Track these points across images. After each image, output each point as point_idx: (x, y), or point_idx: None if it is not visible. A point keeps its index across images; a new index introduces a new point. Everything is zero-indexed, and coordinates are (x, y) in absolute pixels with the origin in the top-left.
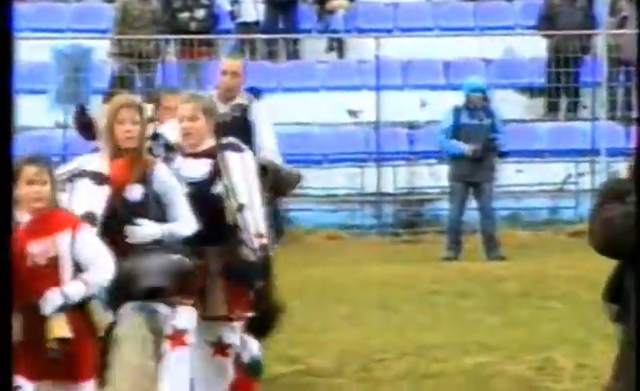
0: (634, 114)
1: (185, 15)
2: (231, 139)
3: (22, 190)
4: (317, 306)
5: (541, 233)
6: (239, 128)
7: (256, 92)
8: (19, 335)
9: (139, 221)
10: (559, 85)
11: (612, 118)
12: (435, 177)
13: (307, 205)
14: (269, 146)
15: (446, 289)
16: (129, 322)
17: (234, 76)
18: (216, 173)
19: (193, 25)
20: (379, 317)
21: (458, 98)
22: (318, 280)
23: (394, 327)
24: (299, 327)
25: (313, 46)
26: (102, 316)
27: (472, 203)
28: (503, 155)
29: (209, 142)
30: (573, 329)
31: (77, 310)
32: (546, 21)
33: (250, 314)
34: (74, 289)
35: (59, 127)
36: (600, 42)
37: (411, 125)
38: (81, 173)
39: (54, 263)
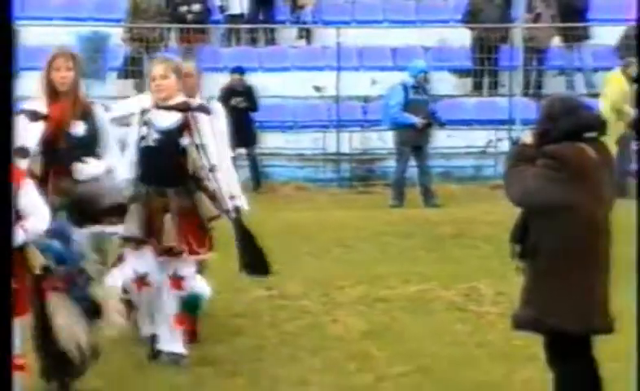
0: (544, 92)
1: (184, 8)
2: (201, 101)
3: None
4: (288, 243)
5: (468, 186)
6: None
7: (240, 71)
8: None
9: (85, 159)
10: (483, 68)
11: (526, 95)
12: (383, 140)
13: (280, 162)
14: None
15: (392, 231)
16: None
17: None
18: (184, 126)
19: (190, 16)
20: (338, 252)
21: (401, 78)
22: (289, 222)
23: (350, 261)
24: (272, 260)
25: (287, 35)
26: (37, 259)
27: (412, 162)
28: (442, 124)
29: (179, 99)
30: (494, 264)
31: (16, 253)
32: (470, 16)
33: (207, 255)
34: (18, 235)
35: None
36: (517, 34)
37: (365, 99)
38: (19, 111)
39: None
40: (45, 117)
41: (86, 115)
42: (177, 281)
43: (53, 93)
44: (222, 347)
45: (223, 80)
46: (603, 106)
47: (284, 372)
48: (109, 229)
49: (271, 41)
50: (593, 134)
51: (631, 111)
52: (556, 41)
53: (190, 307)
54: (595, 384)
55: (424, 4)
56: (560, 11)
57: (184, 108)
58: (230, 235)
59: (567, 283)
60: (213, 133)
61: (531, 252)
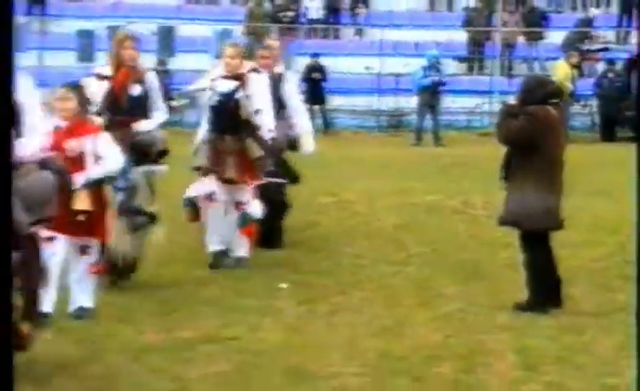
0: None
1: (282, 13)
2: (254, 65)
3: (53, 103)
4: (346, 168)
5: (462, 133)
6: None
7: (316, 56)
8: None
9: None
10: (474, 57)
11: (501, 75)
12: (408, 102)
13: (341, 115)
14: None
15: (414, 161)
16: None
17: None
18: (239, 87)
19: (285, 19)
20: (378, 174)
21: (421, 62)
22: (346, 155)
23: (387, 179)
24: (336, 178)
25: (347, 33)
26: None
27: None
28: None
29: (240, 70)
30: (481, 183)
31: (95, 188)
32: (467, 23)
33: (259, 182)
34: (93, 173)
35: None
36: (496, 35)
37: (397, 75)
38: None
39: (81, 156)
40: (109, 78)
41: (141, 80)
42: (237, 205)
43: (120, 64)
44: (307, 234)
45: (306, 61)
46: None
47: (347, 249)
48: (157, 168)
49: (337, 36)
50: (555, 101)
51: (570, 86)
52: (521, 39)
53: (245, 222)
54: (552, 264)
55: (437, 14)
56: (524, 20)
57: (240, 76)
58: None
59: (536, 197)
60: (259, 86)
61: (512, 176)
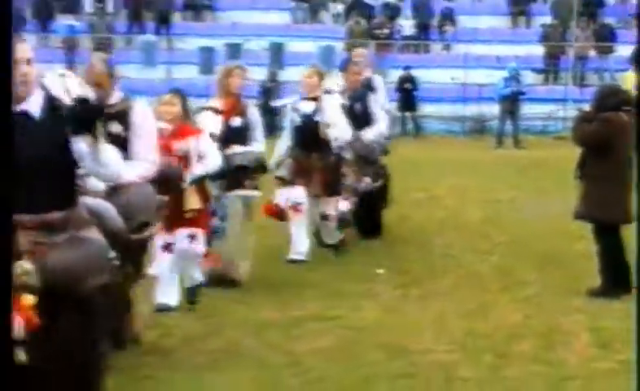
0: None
1: (378, 31)
2: (328, 87)
3: (159, 108)
4: (434, 168)
5: (539, 137)
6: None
7: (408, 68)
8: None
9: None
10: (549, 69)
11: (574, 84)
12: (490, 110)
13: (430, 121)
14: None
15: (495, 162)
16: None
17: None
18: (317, 109)
19: (382, 36)
20: (465, 173)
21: (503, 74)
22: (435, 156)
23: (472, 177)
24: (426, 177)
25: (436, 48)
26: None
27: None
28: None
29: (317, 93)
30: (555, 182)
31: (200, 185)
32: (544, 38)
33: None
34: (198, 170)
35: None
36: (570, 49)
37: (480, 85)
38: (205, 108)
39: (187, 155)
40: (221, 112)
41: (242, 112)
42: (323, 216)
43: (227, 93)
44: (402, 226)
45: (399, 73)
46: None
47: (437, 240)
48: (251, 193)
49: (427, 51)
50: (627, 108)
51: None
52: (593, 52)
53: (342, 226)
54: (623, 254)
55: (517, 31)
56: (595, 35)
57: (316, 98)
58: None
59: (609, 193)
60: (332, 106)
61: (586, 175)
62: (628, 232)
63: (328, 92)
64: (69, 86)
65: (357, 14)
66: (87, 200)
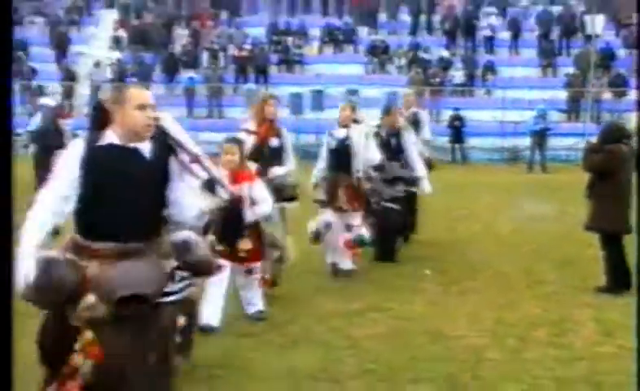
0: (601, 121)
1: (433, 79)
2: (357, 117)
3: (223, 157)
4: (477, 190)
5: (564, 165)
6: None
7: (457, 109)
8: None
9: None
10: (571, 109)
11: (591, 121)
12: (522, 142)
13: (475, 152)
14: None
15: (526, 185)
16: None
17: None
18: (348, 136)
19: (436, 83)
20: (501, 194)
21: (533, 114)
22: (478, 181)
23: (506, 197)
24: (469, 196)
25: (481, 93)
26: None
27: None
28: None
29: (348, 122)
30: (575, 200)
31: (254, 227)
32: (567, 85)
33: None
34: (251, 215)
35: None
36: (588, 94)
37: (515, 123)
38: (241, 130)
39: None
40: (254, 133)
41: (279, 134)
42: (349, 227)
43: (262, 119)
44: (446, 235)
45: (450, 113)
46: None
47: (475, 246)
48: (289, 205)
49: (472, 95)
50: (626, 141)
51: None
52: (608, 95)
53: (359, 243)
54: (624, 258)
55: (545, 79)
56: (611, 82)
57: (347, 126)
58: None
59: (612, 210)
60: (359, 135)
61: (594, 195)
62: (629, 240)
63: (356, 122)
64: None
65: (417, 66)
66: (177, 234)
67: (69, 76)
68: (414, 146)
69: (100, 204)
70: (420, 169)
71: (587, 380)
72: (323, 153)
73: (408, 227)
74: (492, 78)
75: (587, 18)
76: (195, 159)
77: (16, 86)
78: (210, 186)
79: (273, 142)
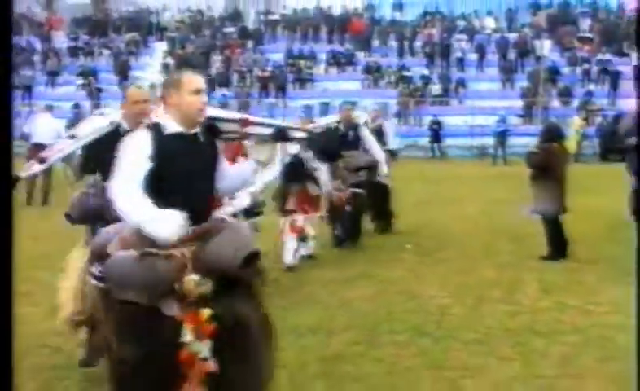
0: None
1: (416, 92)
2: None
3: None
4: (452, 180)
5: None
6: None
7: (435, 116)
8: None
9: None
10: (527, 115)
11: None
12: (490, 141)
13: (453, 150)
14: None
15: (492, 175)
16: None
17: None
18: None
19: (418, 95)
20: (470, 182)
21: (496, 118)
22: (452, 172)
23: (476, 185)
24: (445, 185)
25: (454, 102)
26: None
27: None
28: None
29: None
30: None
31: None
32: (522, 96)
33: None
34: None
35: None
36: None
37: (483, 126)
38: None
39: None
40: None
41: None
42: (295, 228)
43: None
44: (423, 215)
45: (430, 118)
46: None
47: (446, 226)
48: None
49: (447, 104)
50: (559, 139)
51: (580, 132)
52: (556, 103)
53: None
54: (562, 232)
55: (505, 91)
56: (558, 94)
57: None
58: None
59: (551, 195)
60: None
61: (536, 184)
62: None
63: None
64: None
65: (403, 82)
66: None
67: None
68: (370, 135)
69: (176, 191)
70: (378, 153)
71: (530, 328)
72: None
73: (382, 217)
74: (463, 91)
75: (537, 42)
76: (246, 121)
77: (87, 104)
78: (281, 134)
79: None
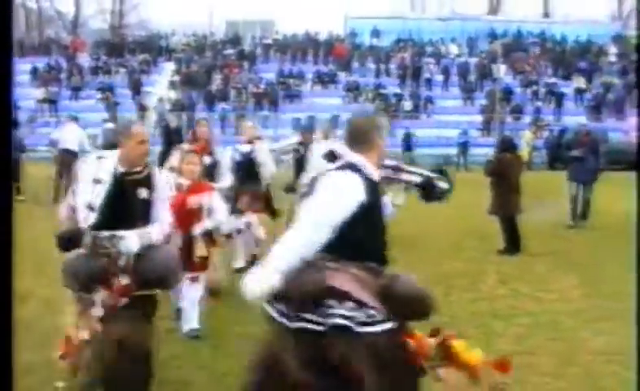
0: None
1: (390, 108)
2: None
3: (184, 167)
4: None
5: (479, 167)
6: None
7: (407, 128)
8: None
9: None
10: (485, 129)
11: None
12: (453, 151)
13: (423, 158)
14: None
15: (456, 182)
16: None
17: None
18: (252, 150)
19: (392, 110)
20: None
21: (458, 131)
22: None
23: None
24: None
25: (423, 117)
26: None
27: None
28: (470, 144)
29: (253, 138)
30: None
31: (208, 234)
32: (481, 112)
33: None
34: (207, 224)
35: None
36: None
37: (447, 138)
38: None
39: (200, 209)
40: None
41: (211, 153)
42: (247, 225)
43: (195, 139)
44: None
45: (403, 131)
46: None
47: (414, 228)
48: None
49: (417, 118)
50: (511, 150)
51: (531, 144)
52: (510, 119)
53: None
54: (516, 229)
55: (466, 107)
56: (511, 110)
57: (251, 142)
58: None
59: (505, 199)
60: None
61: (494, 189)
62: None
63: (259, 139)
64: None
65: (379, 99)
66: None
67: (141, 108)
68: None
69: (369, 232)
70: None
71: (490, 313)
72: (227, 169)
73: None
74: (431, 107)
75: (494, 66)
76: (397, 167)
77: (105, 115)
78: (429, 182)
79: (206, 160)
